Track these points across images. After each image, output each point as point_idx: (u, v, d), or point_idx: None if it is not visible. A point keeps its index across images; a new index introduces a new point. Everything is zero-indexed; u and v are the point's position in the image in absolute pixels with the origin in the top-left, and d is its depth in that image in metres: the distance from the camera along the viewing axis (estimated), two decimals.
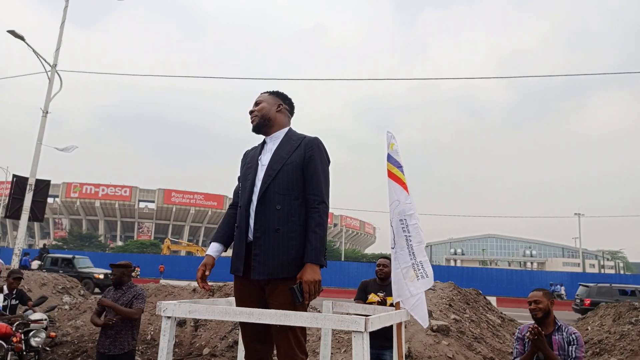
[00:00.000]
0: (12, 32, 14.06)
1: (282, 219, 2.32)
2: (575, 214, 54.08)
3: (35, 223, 14.73)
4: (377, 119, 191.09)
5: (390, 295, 4.20)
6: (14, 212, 13.48)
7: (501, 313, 9.57)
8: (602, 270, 71.92)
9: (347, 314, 3.00)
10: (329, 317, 2.01)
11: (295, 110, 2.75)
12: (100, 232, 77.23)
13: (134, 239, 73.75)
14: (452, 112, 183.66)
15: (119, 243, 73.19)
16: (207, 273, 2.44)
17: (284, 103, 2.65)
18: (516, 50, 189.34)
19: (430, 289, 4.12)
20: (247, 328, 2.39)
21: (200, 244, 72.16)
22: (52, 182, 15.22)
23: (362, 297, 4.27)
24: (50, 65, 14.57)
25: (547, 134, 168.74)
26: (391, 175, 2.89)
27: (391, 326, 2.71)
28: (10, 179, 13.95)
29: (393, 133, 2.96)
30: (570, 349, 3.13)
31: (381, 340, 3.49)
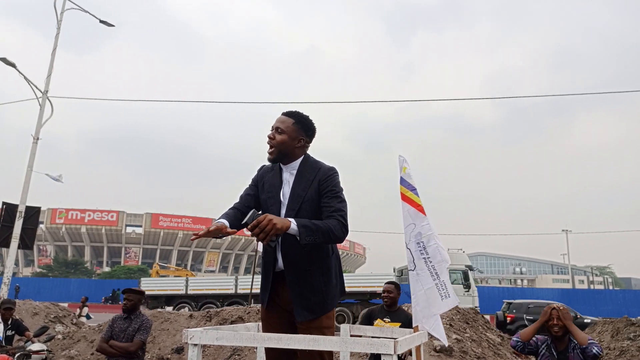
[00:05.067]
0: (3, 60, 14.03)
1: (310, 258, 2.34)
2: (563, 230, 54.38)
3: (19, 250, 14.58)
4: (366, 138, 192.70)
5: (396, 321, 4.20)
6: (3, 240, 13.22)
7: (500, 332, 9.58)
8: (592, 286, 72.22)
9: (365, 336, 3.01)
10: (358, 341, 2.04)
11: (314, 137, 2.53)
12: (86, 258, 75.70)
13: (121, 264, 72.46)
14: (441, 131, 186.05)
15: (106, 269, 71.83)
16: (212, 229, 2.21)
17: (306, 136, 2.46)
18: (503, 70, 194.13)
19: None
20: (273, 353, 2.40)
21: (188, 268, 71.09)
22: None
23: (366, 325, 4.24)
24: (41, 92, 14.52)
25: (534, 151, 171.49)
26: (405, 198, 2.95)
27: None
28: None
29: (405, 157, 3.03)
30: (587, 349, 3.16)
31: None
